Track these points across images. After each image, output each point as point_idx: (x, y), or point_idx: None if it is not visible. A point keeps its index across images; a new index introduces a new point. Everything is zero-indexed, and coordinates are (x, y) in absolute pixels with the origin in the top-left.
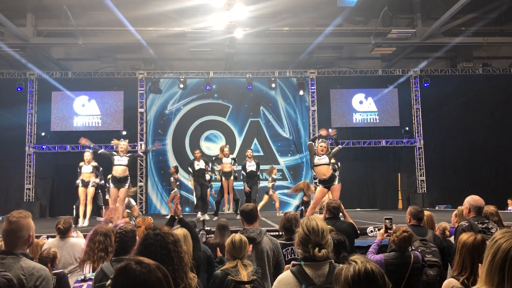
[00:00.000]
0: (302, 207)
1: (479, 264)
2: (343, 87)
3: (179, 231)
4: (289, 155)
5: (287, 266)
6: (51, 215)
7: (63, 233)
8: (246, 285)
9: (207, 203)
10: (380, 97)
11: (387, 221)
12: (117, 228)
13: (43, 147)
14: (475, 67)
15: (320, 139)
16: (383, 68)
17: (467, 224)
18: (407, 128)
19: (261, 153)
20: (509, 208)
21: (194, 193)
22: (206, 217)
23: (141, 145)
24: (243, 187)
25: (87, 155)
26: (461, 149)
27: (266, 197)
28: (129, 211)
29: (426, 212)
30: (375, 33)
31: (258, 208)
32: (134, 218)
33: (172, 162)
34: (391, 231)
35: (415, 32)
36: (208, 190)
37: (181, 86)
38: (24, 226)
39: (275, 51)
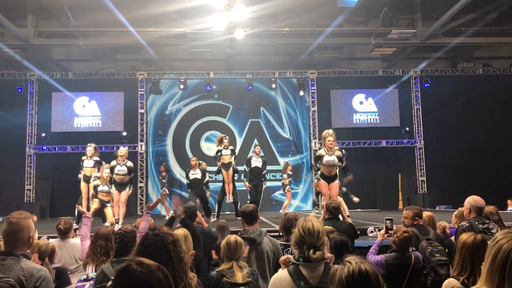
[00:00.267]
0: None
1: (483, 264)
2: (343, 88)
3: (180, 231)
4: (290, 155)
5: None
6: (51, 216)
7: (64, 234)
8: (241, 287)
9: (209, 208)
10: (380, 97)
11: (387, 221)
12: (117, 229)
13: (43, 148)
14: (476, 67)
15: (328, 135)
16: (384, 68)
17: (467, 224)
18: (407, 129)
19: (262, 154)
20: (509, 208)
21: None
22: (211, 220)
23: (141, 145)
24: (245, 187)
25: (90, 149)
26: (461, 150)
27: (288, 195)
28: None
29: (427, 213)
30: (375, 33)
31: (283, 208)
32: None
33: (173, 162)
34: (392, 232)
35: (415, 33)
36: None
37: (182, 86)
38: (25, 227)
39: (276, 51)
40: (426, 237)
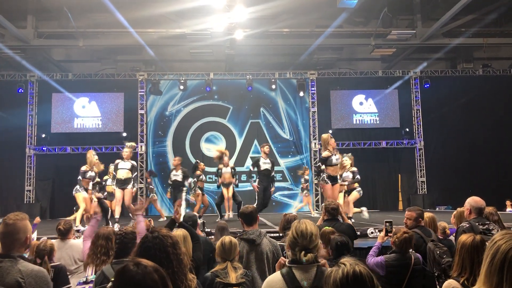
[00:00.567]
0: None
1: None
2: (343, 88)
3: (179, 232)
4: (290, 156)
5: (278, 263)
6: (51, 217)
7: (64, 235)
8: (234, 287)
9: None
10: (380, 98)
11: (387, 224)
12: (117, 230)
13: (43, 148)
14: (475, 68)
15: (330, 137)
16: (383, 69)
17: (468, 225)
18: (407, 129)
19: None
20: (507, 209)
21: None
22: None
23: (141, 146)
24: (250, 188)
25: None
26: (461, 150)
27: (305, 199)
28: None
29: (428, 214)
30: (375, 34)
31: (295, 209)
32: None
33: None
34: (391, 234)
35: (415, 33)
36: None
37: (181, 87)
38: (21, 229)
39: (275, 52)
40: (431, 238)
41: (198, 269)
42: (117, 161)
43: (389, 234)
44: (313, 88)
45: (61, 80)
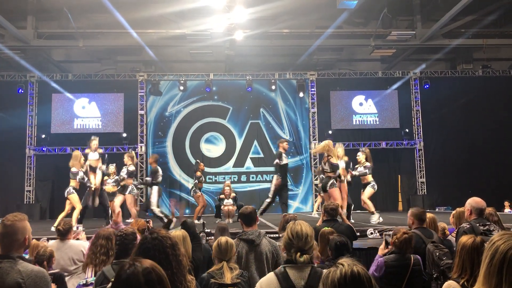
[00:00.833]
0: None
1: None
2: (343, 89)
3: (178, 233)
4: (289, 157)
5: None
6: (51, 217)
7: (63, 235)
8: None
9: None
10: (380, 99)
11: (387, 236)
12: (118, 231)
13: (43, 149)
14: (475, 69)
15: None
16: (383, 70)
17: (468, 226)
18: (407, 130)
19: (261, 155)
20: (505, 210)
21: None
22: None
23: (141, 147)
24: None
25: (95, 142)
26: (461, 151)
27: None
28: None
29: (429, 215)
30: (375, 35)
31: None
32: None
33: (173, 164)
34: (392, 247)
35: (415, 34)
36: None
37: (181, 88)
38: (19, 229)
39: (275, 53)
40: (431, 240)
41: (198, 270)
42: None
43: (389, 246)
44: (313, 89)
45: (61, 80)
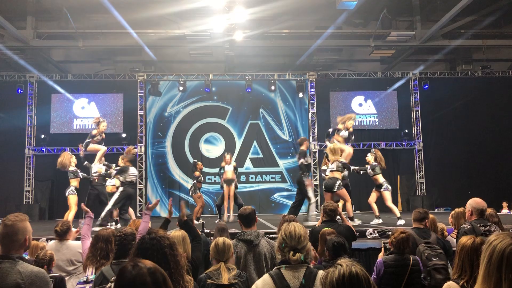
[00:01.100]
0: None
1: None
2: (342, 90)
3: (178, 233)
4: (289, 157)
5: None
6: (50, 218)
7: (61, 236)
8: None
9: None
10: (379, 99)
11: (386, 244)
12: (117, 231)
13: (42, 149)
14: (474, 70)
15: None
16: (383, 70)
17: (469, 226)
18: (406, 131)
19: (261, 156)
20: (502, 211)
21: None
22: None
23: (140, 147)
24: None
25: (104, 124)
26: (460, 151)
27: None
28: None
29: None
30: (374, 35)
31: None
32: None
33: (172, 164)
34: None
35: (415, 35)
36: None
37: (181, 88)
38: (20, 230)
39: (275, 53)
40: (425, 240)
41: (197, 269)
42: None
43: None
44: (312, 89)
45: (60, 80)
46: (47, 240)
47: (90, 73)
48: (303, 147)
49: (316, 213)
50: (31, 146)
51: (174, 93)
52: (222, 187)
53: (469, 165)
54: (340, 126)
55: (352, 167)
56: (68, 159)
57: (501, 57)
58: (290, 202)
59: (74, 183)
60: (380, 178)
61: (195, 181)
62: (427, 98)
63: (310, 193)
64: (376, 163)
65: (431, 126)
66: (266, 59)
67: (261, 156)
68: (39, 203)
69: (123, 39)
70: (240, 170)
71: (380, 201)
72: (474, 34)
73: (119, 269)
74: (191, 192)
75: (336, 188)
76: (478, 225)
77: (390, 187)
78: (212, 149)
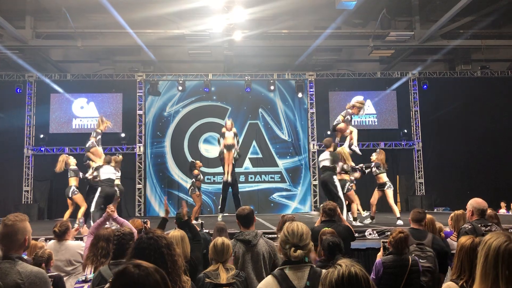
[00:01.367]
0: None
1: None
2: (341, 90)
3: (177, 233)
4: (288, 157)
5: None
6: (49, 218)
7: (59, 236)
8: None
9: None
10: (378, 99)
11: (385, 244)
12: (115, 231)
13: (41, 149)
14: (474, 70)
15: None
16: (382, 70)
17: (470, 227)
18: (405, 131)
19: (260, 155)
20: (500, 211)
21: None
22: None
23: (139, 147)
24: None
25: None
26: (459, 152)
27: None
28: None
29: (427, 216)
30: (373, 35)
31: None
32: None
33: (171, 164)
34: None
35: (414, 35)
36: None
37: (180, 88)
38: (20, 230)
39: (274, 53)
40: (418, 241)
41: (196, 269)
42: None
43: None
44: (311, 89)
45: (59, 80)
46: (46, 240)
47: (89, 73)
48: (331, 148)
49: (316, 213)
50: (30, 146)
51: (173, 93)
52: (221, 153)
53: (468, 165)
54: (348, 110)
55: (358, 165)
56: (64, 161)
57: (500, 57)
58: (289, 202)
59: (73, 182)
60: (384, 177)
61: (193, 179)
62: (426, 98)
63: (341, 194)
64: (379, 162)
65: (430, 126)
66: (265, 59)
67: (260, 156)
68: (38, 203)
69: (122, 39)
70: (239, 170)
71: (381, 201)
72: (473, 34)
73: (120, 272)
74: (190, 191)
75: (345, 189)
76: (479, 225)
77: (392, 186)
78: (211, 149)
